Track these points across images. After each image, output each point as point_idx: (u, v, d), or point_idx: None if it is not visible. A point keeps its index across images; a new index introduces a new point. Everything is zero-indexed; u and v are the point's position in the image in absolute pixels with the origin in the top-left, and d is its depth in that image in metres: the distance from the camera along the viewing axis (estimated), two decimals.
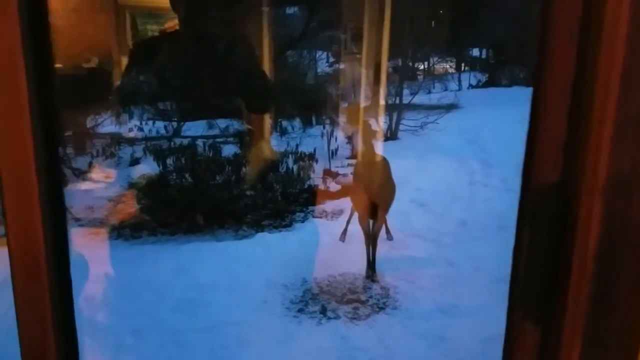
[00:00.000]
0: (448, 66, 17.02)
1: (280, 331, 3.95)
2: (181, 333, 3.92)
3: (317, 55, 8.96)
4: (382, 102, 9.14)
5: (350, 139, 4.64)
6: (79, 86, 5.78)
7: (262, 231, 5.65)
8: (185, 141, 6.66)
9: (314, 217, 6.14)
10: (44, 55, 0.92)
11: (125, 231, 5.66)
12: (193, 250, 5.22)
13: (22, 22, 0.84)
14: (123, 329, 3.98)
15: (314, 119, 6.87)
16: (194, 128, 8.74)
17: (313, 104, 6.65)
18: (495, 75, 15.80)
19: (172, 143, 6.93)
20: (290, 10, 7.65)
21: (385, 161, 5.23)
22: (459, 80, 15.67)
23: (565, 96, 0.85)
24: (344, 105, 7.08)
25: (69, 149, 7.00)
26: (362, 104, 6.90)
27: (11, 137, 0.89)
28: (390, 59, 8.99)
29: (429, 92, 13.22)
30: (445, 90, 14.14)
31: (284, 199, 6.16)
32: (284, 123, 7.76)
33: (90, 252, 5.41)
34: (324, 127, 8.04)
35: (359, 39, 6.27)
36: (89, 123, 7.37)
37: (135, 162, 7.28)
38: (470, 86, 15.36)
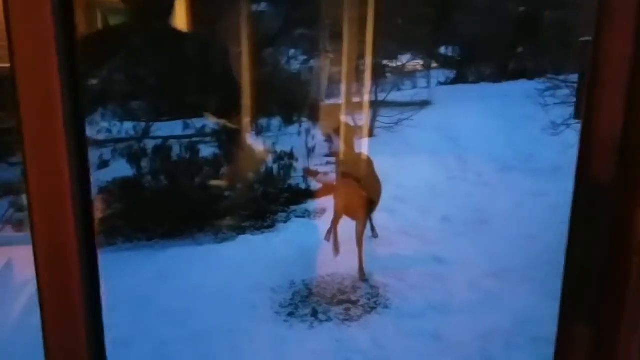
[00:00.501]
0: (417, 64, 17.09)
1: (272, 337, 3.83)
2: (168, 343, 3.76)
3: (294, 54, 8.81)
4: (365, 98, 9.12)
5: (329, 137, 4.52)
6: None
7: (244, 233, 5.50)
8: (160, 142, 6.43)
9: (296, 216, 6.02)
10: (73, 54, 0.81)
11: (98, 238, 5.41)
12: (173, 255, 5.04)
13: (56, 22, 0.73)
14: (106, 340, 3.79)
15: (291, 117, 6.74)
16: (164, 128, 8.51)
17: (290, 102, 6.52)
18: (462, 72, 15.95)
19: (142, 144, 6.71)
20: (267, 7, 7.51)
21: (368, 160, 5.17)
22: (429, 78, 15.75)
23: (620, 95, 0.82)
24: (322, 103, 6.99)
25: None
26: (342, 102, 6.82)
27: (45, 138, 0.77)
28: (364, 57, 8.95)
29: (399, 89, 13.24)
30: (415, 87, 14.19)
31: (265, 199, 6.02)
32: (261, 122, 7.61)
33: None
34: (300, 126, 7.93)
35: (337, 37, 6.17)
36: None
37: (103, 165, 7.01)
38: (439, 83, 15.45)
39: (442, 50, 17.78)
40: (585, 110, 0.84)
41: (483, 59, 15.57)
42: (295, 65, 8.35)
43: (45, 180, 0.79)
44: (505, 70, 15.01)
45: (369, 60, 9.39)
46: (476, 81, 15.09)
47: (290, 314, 4.10)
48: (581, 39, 3.05)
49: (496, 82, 13.94)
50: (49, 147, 0.77)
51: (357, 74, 6.93)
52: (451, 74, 16.26)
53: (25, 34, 0.76)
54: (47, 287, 0.86)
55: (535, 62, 14.81)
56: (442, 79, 15.92)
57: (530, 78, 13.35)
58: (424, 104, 10.32)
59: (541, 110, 10.17)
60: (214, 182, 5.66)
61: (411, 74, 14.17)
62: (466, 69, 16.04)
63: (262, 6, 7.37)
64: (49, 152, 0.77)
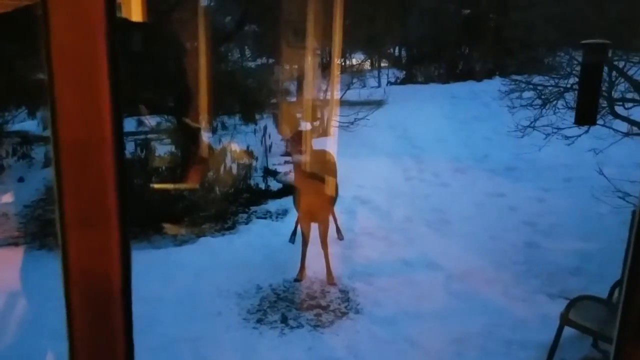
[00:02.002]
0: (367, 63, 17.17)
1: (241, 345, 3.66)
2: None
3: (251, 50, 8.59)
4: (322, 97, 9.00)
5: (289, 136, 4.37)
6: None
7: (204, 235, 5.29)
8: None
9: (257, 217, 5.85)
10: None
11: (48, 240, 5.07)
12: None
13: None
14: (60, 352, 3.52)
15: (249, 115, 6.55)
16: None
17: (247, 99, 6.33)
18: (412, 72, 16.14)
19: None
20: (224, 1, 7.27)
21: (331, 157, 5.05)
22: (379, 77, 15.86)
23: None
24: (281, 100, 6.83)
25: None
26: (300, 100, 6.69)
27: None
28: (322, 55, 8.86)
29: (348, 89, 13.26)
30: (364, 87, 14.25)
31: (224, 200, 5.82)
32: (214, 119, 7.36)
33: (7, 265, 4.81)
34: (256, 124, 7.74)
35: (300, 33, 6.03)
36: None
37: (50, 163, 6.59)
38: (389, 83, 15.58)
39: (394, 50, 17.97)
40: None
41: (432, 59, 15.82)
42: (252, 63, 8.14)
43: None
44: (453, 71, 15.29)
45: (326, 58, 9.33)
46: (425, 82, 15.31)
47: (259, 321, 3.94)
48: (582, 41, 3.04)
49: (445, 83, 14.19)
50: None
51: (315, 73, 6.82)
52: (401, 74, 16.44)
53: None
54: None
55: (483, 63, 15.21)
56: (392, 79, 16.07)
57: (478, 79, 13.70)
58: (380, 103, 10.34)
59: (488, 111, 10.47)
60: (168, 185, 5.39)
61: (362, 74, 14.18)
62: (415, 70, 16.24)
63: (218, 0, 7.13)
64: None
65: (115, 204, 0.66)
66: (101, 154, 0.61)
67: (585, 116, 2.81)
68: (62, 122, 0.57)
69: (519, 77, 6.37)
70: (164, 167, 5.64)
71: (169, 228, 5.25)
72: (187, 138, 5.85)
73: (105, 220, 0.67)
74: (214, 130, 7.16)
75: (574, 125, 4.90)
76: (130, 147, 5.94)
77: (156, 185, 5.47)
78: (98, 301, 0.72)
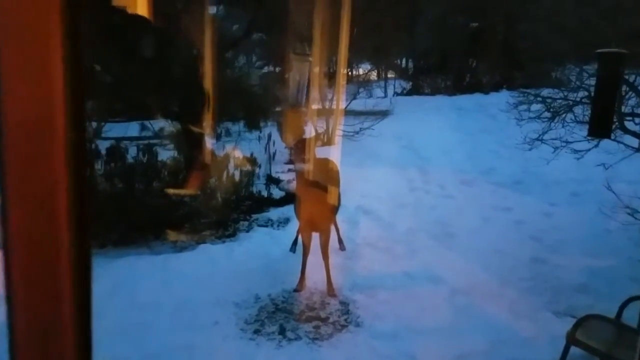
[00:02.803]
0: (373, 73, 17.14)
1: (237, 356, 3.57)
2: None
3: (257, 58, 8.56)
4: (327, 106, 8.93)
5: (293, 144, 4.28)
6: None
7: (204, 242, 5.21)
8: (114, 143, 6.04)
9: (259, 225, 5.77)
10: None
11: None
12: (128, 265, 4.69)
13: None
14: None
15: (254, 122, 6.50)
16: (116, 129, 8.07)
17: (252, 106, 6.27)
18: (418, 83, 16.09)
19: (94, 145, 6.30)
20: (232, 9, 7.23)
21: (334, 166, 4.98)
22: (385, 88, 15.82)
23: None
24: (286, 108, 6.77)
25: None
26: (306, 109, 6.62)
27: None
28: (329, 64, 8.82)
29: (354, 98, 13.23)
30: (370, 97, 14.20)
31: (226, 207, 5.74)
32: (220, 126, 7.32)
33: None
34: (261, 131, 7.69)
35: (307, 40, 5.97)
36: None
37: None
38: (395, 94, 15.54)
39: (401, 61, 17.94)
40: None
41: (439, 71, 15.77)
42: (258, 70, 8.10)
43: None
44: (460, 83, 15.23)
45: (332, 68, 9.28)
46: (432, 93, 15.25)
47: (257, 332, 3.84)
48: (598, 50, 2.95)
49: (452, 95, 14.13)
50: None
51: (322, 81, 6.76)
52: (407, 84, 16.40)
53: None
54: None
55: (490, 76, 15.14)
56: (399, 90, 16.03)
57: (485, 92, 13.63)
58: (385, 113, 10.28)
59: (495, 123, 10.39)
60: (172, 190, 5.31)
61: (368, 84, 14.14)
62: (422, 81, 16.19)
63: (226, 8, 7.09)
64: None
65: (66, 203, 0.57)
66: (51, 141, 0.53)
67: (600, 128, 2.72)
68: (8, 103, 0.50)
69: (527, 90, 6.28)
70: (165, 173, 5.57)
71: (169, 234, 5.17)
72: (190, 143, 5.78)
73: (52, 219, 0.58)
74: (218, 137, 7.10)
75: (587, 138, 4.80)
76: (132, 151, 5.89)
77: (166, 190, 5.39)
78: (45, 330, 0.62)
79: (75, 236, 0.59)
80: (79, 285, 0.63)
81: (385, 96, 14.60)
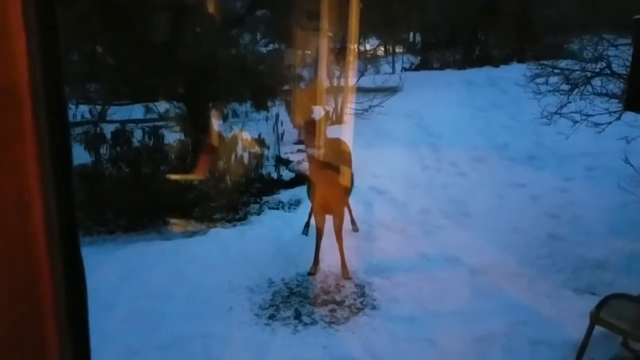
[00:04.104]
0: (381, 49, 16.84)
1: (253, 343, 3.50)
2: (137, 351, 3.39)
3: (263, 36, 8.36)
4: (336, 83, 8.75)
5: (303, 124, 4.13)
6: None
7: (215, 226, 5.13)
8: (119, 126, 5.92)
9: (269, 208, 5.67)
10: None
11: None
12: (138, 251, 4.62)
13: None
14: None
15: (262, 102, 6.35)
16: (121, 112, 7.96)
17: (260, 86, 6.11)
18: (427, 58, 15.80)
19: (100, 129, 6.20)
20: None
21: (346, 146, 4.85)
22: (393, 63, 15.55)
23: None
24: (294, 87, 6.62)
25: None
26: (314, 87, 6.48)
27: None
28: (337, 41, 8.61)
29: (362, 75, 13.02)
30: (378, 73, 13.96)
31: (236, 190, 5.64)
32: (227, 107, 7.19)
33: None
34: (268, 111, 7.54)
35: (314, 16, 5.79)
36: None
37: None
38: (404, 69, 15.26)
39: (409, 36, 17.61)
40: None
41: (448, 45, 15.44)
42: (263, 48, 7.93)
43: None
44: (469, 57, 14.93)
45: (340, 44, 9.07)
46: (441, 67, 14.97)
47: (272, 317, 3.78)
48: (635, 17, 2.76)
49: (461, 69, 13.86)
50: None
51: (331, 59, 6.59)
52: (415, 59, 16.10)
53: None
54: None
55: (500, 48, 14.83)
56: (407, 65, 15.75)
57: (496, 65, 13.35)
58: (394, 90, 10.08)
59: (506, 98, 10.17)
60: (174, 176, 5.21)
61: (375, 60, 13.87)
62: (431, 55, 15.88)
63: None
64: None
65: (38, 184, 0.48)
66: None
67: (638, 101, 2.57)
68: None
69: (545, 62, 6.08)
70: (172, 156, 5.46)
71: (178, 223, 5.09)
72: (196, 126, 5.68)
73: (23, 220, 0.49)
74: (224, 118, 6.98)
75: (621, 111, 4.61)
76: (138, 134, 5.78)
77: (167, 176, 5.30)
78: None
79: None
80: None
81: (393, 72, 14.33)
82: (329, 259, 4.44)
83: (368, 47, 15.96)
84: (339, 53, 8.98)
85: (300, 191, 5.79)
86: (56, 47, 0.53)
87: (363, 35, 14.88)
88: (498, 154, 7.37)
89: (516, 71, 9.71)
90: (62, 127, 0.60)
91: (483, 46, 15.52)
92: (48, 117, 0.56)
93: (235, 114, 7.22)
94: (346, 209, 4.75)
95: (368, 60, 12.57)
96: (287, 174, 6.48)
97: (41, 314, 0.62)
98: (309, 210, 4.81)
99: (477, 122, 8.94)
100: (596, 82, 5.28)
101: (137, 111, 7.42)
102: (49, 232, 0.56)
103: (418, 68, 15.37)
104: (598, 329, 3.19)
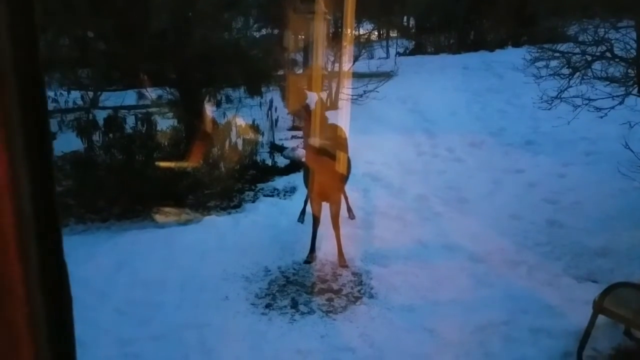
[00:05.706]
0: (374, 33, 16.67)
1: (249, 332, 3.44)
2: (131, 342, 3.32)
3: (255, 20, 8.20)
4: (330, 68, 8.62)
5: (299, 110, 4.04)
6: None
7: (209, 214, 5.04)
8: (112, 113, 5.80)
9: (264, 195, 5.59)
10: None
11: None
12: (132, 239, 4.53)
13: None
14: None
15: (255, 87, 6.23)
16: (113, 98, 7.83)
17: (252, 71, 5.99)
18: (421, 42, 15.67)
19: (92, 115, 6.09)
20: None
21: (342, 132, 4.75)
22: (387, 48, 15.40)
23: None
24: (289, 72, 6.51)
25: None
26: (309, 72, 6.36)
27: None
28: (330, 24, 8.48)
29: (356, 60, 12.89)
30: (372, 58, 13.82)
31: (230, 177, 5.55)
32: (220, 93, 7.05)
33: None
34: (262, 97, 7.42)
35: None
36: None
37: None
38: (398, 54, 15.13)
39: (402, 20, 17.44)
40: None
41: (443, 29, 15.31)
42: (256, 32, 7.77)
43: None
44: (464, 41, 14.81)
45: (334, 28, 8.94)
46: (435, 52, 14.85)
47: (268, 306, 3.71)
48: None
49: (456, 54, 13.75)
50: None
51: (324, 42, 6.47)
52: (409, 44, 15.97)
53: None
54: None
55: (495, 33, 14.71)
56: (401, 50, 15.61)
57: (491, 49, 13.24)
58: (389, 74, 9.96)
59: (502, 82, 10.09)
60: (170, 163, 5.11)
61: (369, 44, 13.72)
62: (425, 40, 15.75)
63: None
64: None
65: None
66: None
67: None
68: None
69: (545, 45, 5.97)
70: (166, 143, 5.36)
71: (172, 211, 5.00)
72: (189, 112, 5.56)
73: None
74: (218, 104, 6.86)
75: (624, 95, 4.51)
76: (130, 121, 5.67)
77: (159, 163, 5.20)
78: None
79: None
80: None
81: (388, 57, 14.20)
82: (326, 247, 4.38)
83: (362, 31, 15.81)
84: (333, 37, 8.85)
85: (295, 178, 5.72)
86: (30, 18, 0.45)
87: (357, 19, 14.75)
88: (494, 140, 7.31)
89: (512, 55, 9.63)
90: (38, 112, 0.51)
91: (478, 30, 15.39)
92: (21, 100, 0.48)
93: (228, 100, 7.09)
94: (342, 196, 4.67)
95: (362, 45, 12.44)
96: (281, 161, 6.39)
97: (13, 323, 0.54)
98: (304, 197, 4.74)
99: (473, 107, 8.87)
100: (596, 66, 5.19)
101: (129, 97, 7.29)
102: (20, 234, 0.48)
103: (413, 52, 15.25)
104: (599, 317, 3.15)
